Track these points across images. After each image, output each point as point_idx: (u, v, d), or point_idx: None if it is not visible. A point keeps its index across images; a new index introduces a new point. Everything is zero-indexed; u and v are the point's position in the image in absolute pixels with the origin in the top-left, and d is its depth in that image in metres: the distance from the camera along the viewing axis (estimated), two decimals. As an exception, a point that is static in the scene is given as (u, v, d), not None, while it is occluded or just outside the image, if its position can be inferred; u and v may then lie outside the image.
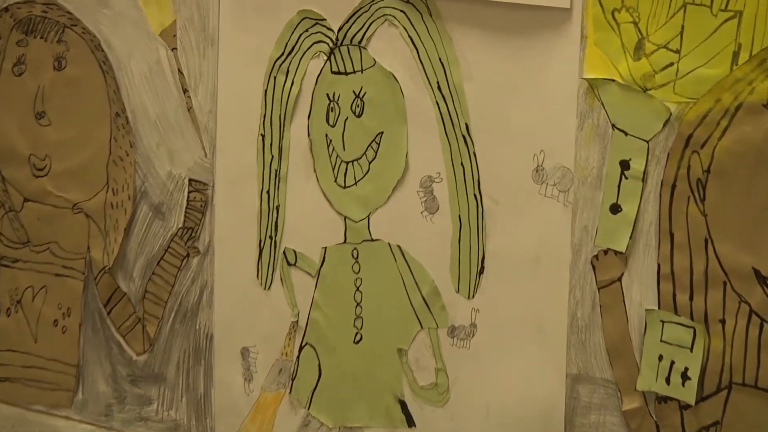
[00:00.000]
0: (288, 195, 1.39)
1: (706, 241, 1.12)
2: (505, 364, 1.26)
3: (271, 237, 1.41)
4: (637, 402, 1.18)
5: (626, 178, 1.16)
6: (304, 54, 1.36)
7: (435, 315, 1.30)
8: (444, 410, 1.31)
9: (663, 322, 1.15)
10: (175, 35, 1.45)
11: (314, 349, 1.39)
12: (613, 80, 1.15)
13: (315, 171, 1.37)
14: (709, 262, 1.12)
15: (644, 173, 1.15)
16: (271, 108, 1.39)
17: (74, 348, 1.56)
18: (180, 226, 1.47)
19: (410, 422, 1.34)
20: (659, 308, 1.16)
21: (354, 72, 1.32)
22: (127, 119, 1.49)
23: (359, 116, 1.33)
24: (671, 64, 1.12)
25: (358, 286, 1.35)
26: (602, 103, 1.17)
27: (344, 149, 1.34)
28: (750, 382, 1.11)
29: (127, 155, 1.50)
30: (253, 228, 1.42)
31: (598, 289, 1.20)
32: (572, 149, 1.19)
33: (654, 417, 1.17)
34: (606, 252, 1.19)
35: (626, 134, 1.16)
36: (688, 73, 1.11)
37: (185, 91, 1.45)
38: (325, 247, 1.37)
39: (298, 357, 1.41)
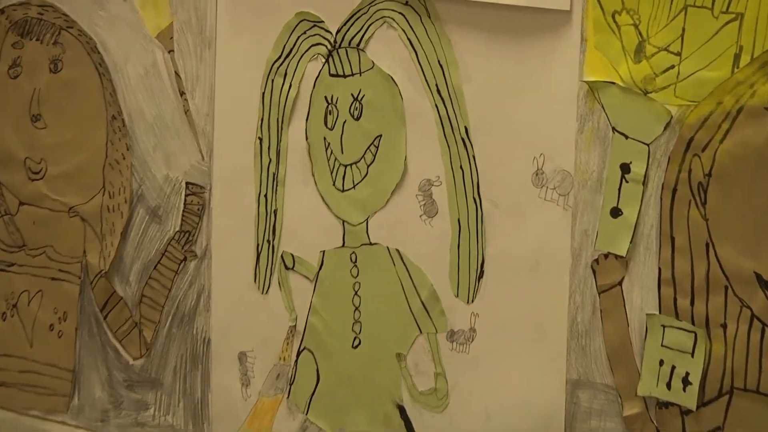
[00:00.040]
0: (286, 198, 1.39)
1: (707, 245, 1.12)
2: (505, 369, 1.26)
3: (268, 241, 1.40)
4: (637, 407, 1.18)
5: (627, 181, 1.16)
6: (302, 56, 1.35)
7: (434, 319, 1.30)
8: (443, 416, 1.31)
9: (664, 326, 1.15)
10: (172, 38, 1.45)
11: (312, 353, 1.39)
12: (614, 83, 1.15)
13: (313, 174, 1.37)
14: (711, 266, 1.12)
15: (645, 177, 1.15)
16: (268, 111, 1.39)
17: (70, 353, 1.56)
18: (177, 229, 1.47)
19: (409, 428, 1.33)
20: (660, 313, 1.16)
21: (352, 74, 1.32)
22: (124, 122, 1.49)
23: (358, 119, 1.32)
24: (672, 66, 1.12)
25: (356, 290, 1.35)
26: (602, 106, 1.17)
27: (342, 152, 1.34)
28: (752, 387, 1.11)
29: (124, 158, 1.50)
30: (250, 232, 1.41)
31: (599, 293, 1.19)
32: (572, 152, 1.19)
33: (655, 423, 1.17)
34: (606, 256, 1.18)
35: (627, 137, 1.16)
36: (689, 76, 1.11)
37: (182, 93, 1.45)
38: (324, 251, 1.37)
39: (296, 362, 1.40)
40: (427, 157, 1.28)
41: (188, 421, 1.49)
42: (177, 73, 1.45)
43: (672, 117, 1.13)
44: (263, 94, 1.39)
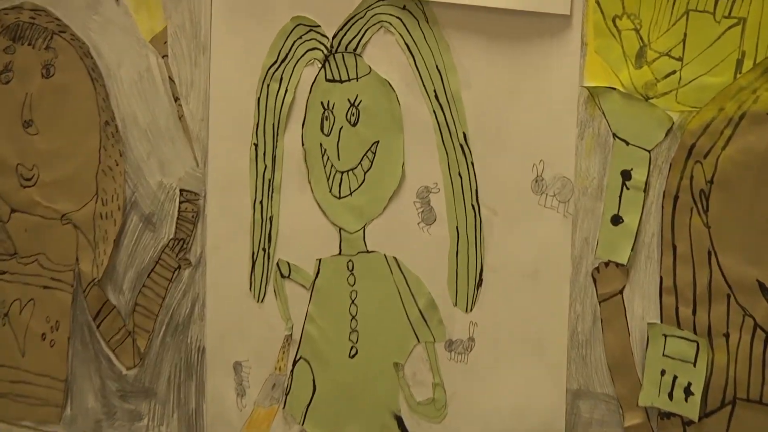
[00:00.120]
0: (281, 205, 1.38)
1: (709, 253, 1.12)
2: (504, 379, 1.25)
3: (264, 248, 1.40)
4: (639, 418, 1.17)
5: (628, 188, 1.16)
6: (297, 61, 1.35)
7: (432, 329, 1.29)
8: (441, 426, 1.30)
9: (665, 335, 1.15)
10: (166, 42, 1.44)
11: (308, 363, 1.38)
12: (614, 88, 1.15)
13: (309, 181, 1.36)
14: (713, 274, 1.12)
15: (646, 184, 1.15)
16: (264, 116, 1.38)
17: (63, 362, 1.56)
18: (171, 237, 1.47)
19: (407, 438, 1.33)
20: (661, 322, 1.15)
21: (349, 80, 1.31)
22: (117, 128, 1.49)
23: (354, 125, 1.32)
24: (674, 72, 1.12)
25: (353, 298, 1.34)
26: (603, 112, 1.17)
27: (339, 159, 1.33)
28: (755, 398, 1.11)
29: (117, 165, 1.49)
30: (245, 239, 1.41)
31: (599, 302, 1.19)
32: (572, 159, 1.19)
33: (656, 433, 1.17)
34: (607, 264, 1.18)
35: (627, 144, 1.16)
36: (690, 82, 1.11)
37: (176, 99, 1.44)
38: (320, 259, 1.36)
39: (291, 371, 1.40)
40: (425, 163, 1.28)
41: (182, 432, 1.49)
42: (171, 78, 1.44)
43: (673, 123, 1.13)
44: (258, 99, 1.38)
